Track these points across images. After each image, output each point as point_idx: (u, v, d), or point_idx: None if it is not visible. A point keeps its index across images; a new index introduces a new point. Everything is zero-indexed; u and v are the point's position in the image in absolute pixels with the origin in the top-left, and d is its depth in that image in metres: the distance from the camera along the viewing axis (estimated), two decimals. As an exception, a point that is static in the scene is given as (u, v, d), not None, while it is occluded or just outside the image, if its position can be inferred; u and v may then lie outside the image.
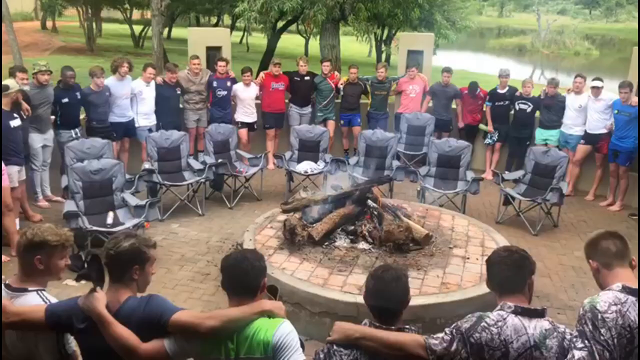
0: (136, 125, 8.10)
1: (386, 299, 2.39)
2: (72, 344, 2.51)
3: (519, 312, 2.32)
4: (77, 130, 7.43)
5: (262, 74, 9.35)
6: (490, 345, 2.25)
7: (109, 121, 7.78)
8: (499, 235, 5.95)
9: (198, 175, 7.36)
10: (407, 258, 5.19)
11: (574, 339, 2.28)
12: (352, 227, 5.63)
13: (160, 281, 5.41)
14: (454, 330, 2.33)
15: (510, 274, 2.41)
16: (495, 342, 2.25)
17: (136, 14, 31.02)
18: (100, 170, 6.15)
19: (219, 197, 7.82)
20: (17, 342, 2.46)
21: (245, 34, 30.47)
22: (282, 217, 5.88)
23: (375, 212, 5.69)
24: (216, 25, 28.06)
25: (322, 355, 2.37)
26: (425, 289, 4.69)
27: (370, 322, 2.41)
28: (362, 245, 5.44)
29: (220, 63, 8.62)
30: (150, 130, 8.02)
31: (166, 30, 27.15)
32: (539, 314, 2.34)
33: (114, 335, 2.28)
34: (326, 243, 5.44)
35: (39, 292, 2.50)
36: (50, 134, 7.19)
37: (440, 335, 2.34)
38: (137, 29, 27.09)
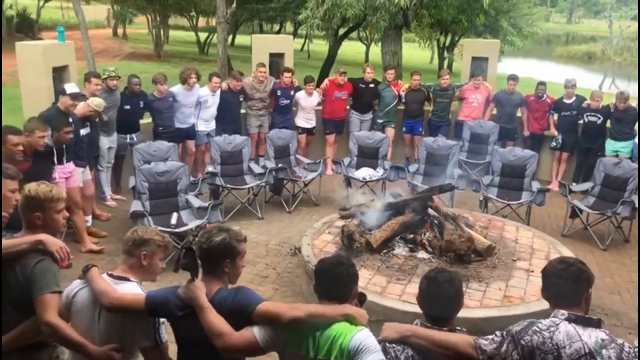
0: (195, 129, 8.31)
1: (439, 301, 2.42)
2: (164, 333, 2.65)
3: (572, 319, 2.27)
4: (133, 135, 7.69)
5: (326, 81, 9.42)
6: (541, 349, 2.20)
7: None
8: (565, 249, 5.71)
9: (259, 179, 7.47)
10: (469, 269, 5.07)
11: (639, 345, 2.18)
12: (412, 236, 5.56)
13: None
14: (505, 333, 2.30)
15: (567, 287, 2.35)
16: (547, 345, 2.20)
17: (202, 22, 31.93)
18: (166, 172, 6.34)
19: (278, 201, 7.91)
20: (116, 323, 2.61)
21: (307, 41, 30.77)
22: (340, 222, 5.87)
23: (436, 221, 5.59)
24: (279, 32, 28.48)
25: None
26: (486, 301, 4.56)
27: (421, 322, 2.43)
28: (422, 254, 5.36)
29: (286, 74, 8.72)
30: (208, 134, 8.24)
31: (230, 37, 27.78)
32: (595, 324, 2.27)
33: (211, 320, 2.39)
34: (384, 251, 5.39)
35: (139, 284, 2.71)
36: (115, 136, 7.48)
37: (490, 336, 2.32)
38: (203, 36, 27.86)
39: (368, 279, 4.87)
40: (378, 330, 4.54)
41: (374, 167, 8.14)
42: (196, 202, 6.34)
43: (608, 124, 8.47)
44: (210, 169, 7.45)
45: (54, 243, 2.70)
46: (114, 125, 7.43)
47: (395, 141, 9.26)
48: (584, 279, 2.36)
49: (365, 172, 8.06)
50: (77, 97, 6.18)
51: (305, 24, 12.41)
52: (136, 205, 6.02)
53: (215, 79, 8.26)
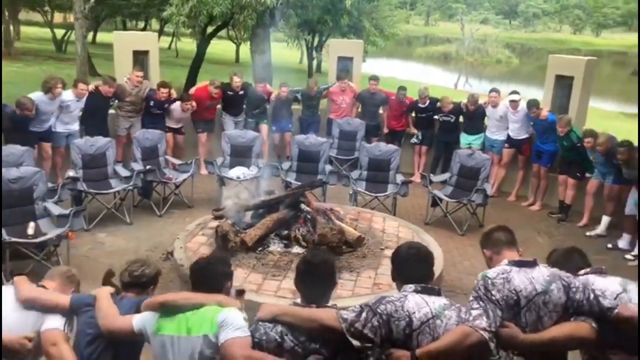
0: (53, 129, 7.76)
1: (314, 280, 2.62)
2: (68, 327, 2.93)
3: (419, 290, 2.57)
4: None
5: (194, 89, 9.33)
6: (395, 316, 2.45)
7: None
8: (428, 236, 6.11)
9: (125, 183, 7.14)
10: (340, 260, 5.24)
11: (471, 303, 2.57)
12: (286, 232, 5.64)
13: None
14: (362, 305, 2.52)
15: (419, 268, 2.67)
16: (399, 313, 2.46)
17: (58, 17, 29.79)
18: (20, 178, 5.82)
19: (147, 205, 7.61)
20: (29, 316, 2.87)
21: (174, 38, 29.88)
22: (214, 223, 5.80)
23: (309, 216, 5.72)
24: (144, 29, 27.38)
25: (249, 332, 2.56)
26: (358, 290, 4.75)
27: (295, 303, 2.63)
28: (296, 249, 5.46)
29: (162, 90, 8.36)
30: (69, 136, 7.76)
31: (91, 34, 26.21)
32: (437, 292, 2.61)
33: (102, 305, 2.83)
34: (260, 248, 5.42)
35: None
36: None
37: (350, 308, 2.53)
38: (60, 32, 26.00)
39: (244, 278, 4.86)
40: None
41: (248, 166, 8.12)
42: (56, 210, 5.91)
43: (461, 119, 9.20)
44: (71, 173, 6.98)
45: None
46: None
47: (269, 138, 9.33)
48: (430, 260, 2.73)
49: (238, 171, 8.00)
50: None
51: (171, 21, 12.09)
52: (-15, 217, 5.47)
53: (81, 86, 7.75)
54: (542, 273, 2.64)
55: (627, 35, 71.90)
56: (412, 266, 2.66)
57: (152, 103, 8.45)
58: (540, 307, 2.59)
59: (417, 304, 2.49)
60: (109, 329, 2.75)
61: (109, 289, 2.99)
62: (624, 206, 7.12)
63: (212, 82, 9.04)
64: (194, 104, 8.72)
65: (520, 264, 2.66)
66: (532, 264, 2.68)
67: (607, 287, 2.72)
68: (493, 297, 2.53)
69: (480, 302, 2.53)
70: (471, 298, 2.59)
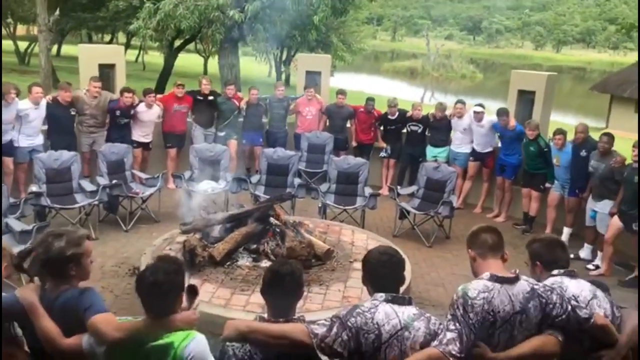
0: (16, 144, 7.60)
1: (280, 291, 2.59)
2: (18, 328, 2.66)
3: (389, 300, 2.57)
4: None
5: (160, 96, 9.22)
6: (364, 329, 2.45)
7: None
8: (396, 248, 6.15)
9: (91, 198, 7.02)
10: (310, 274, 5.24)
11: (448, 322, 2.53)
12: (255, 246, 5.61)
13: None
14: (333, 317, 2.51)
15: (390, 274, 2.67)
16: (369, 325, 2.46)
17: (21, 29, 29.23)
18: (-21, 194, 5.69)
19: (113, 220, 7.49)
20: None
21: (141, 52, 29.66)
22: (182, 238, 5.74)
23: (278, 230, 5.71)
24: (110, 42, 27.10)
25: (217, 354, 2.47)
26: (327, 303, 4.75)
27: (259, 317, 2.59)
28: (265, 263, 5.42)
29: (126, 94, 8.23)
30: (32, 151, 7.60)
31: (55, 46, 25.80)
32: (408, 302, 2.61)
33: (40, 325, 2.45)
34: (228, 263, 5.38)
35: None
36: None
37: (321, 321, 2.51)
38: (23, 45, 25.53)
39: (212, 293, 4.81)
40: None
41: (216, 180, 8.08)
42: (18, 226, 5.75)
43: (427, 132, 9.36)
44: (34, 188, 6.82)
45: None
46: None
47: (237, 153, 9.30)
48: (402, 267, 2.73)
49: (207, 185, 7.95)
50: None
51: (138, 34, 12.02)
52: (-57, 233, 5.31)
53: (35, 89, 7.60)
54: (522, 289, 2.61)
55: (585, 52, 74.43)
56: (384, 273, 2.65)
57: (118, 112, 8.33)
58: (515, 327, 2.58)
59: (387, 314, 2.49)
60: (56, 350, 2.45)
61: (33, 292, 2.52)
62: (584, 217, 7.34)
63: (176, 83, 9.03)
64: (158, 102, 8.68)
65: (502, 280, 2.60)
66: (513, 280, 2.63)
67: (580, 292, 2.81)
68: (470, 321, 2.49)
69: (457, 324, 2.48)
70: (449, 316, 2.53)
